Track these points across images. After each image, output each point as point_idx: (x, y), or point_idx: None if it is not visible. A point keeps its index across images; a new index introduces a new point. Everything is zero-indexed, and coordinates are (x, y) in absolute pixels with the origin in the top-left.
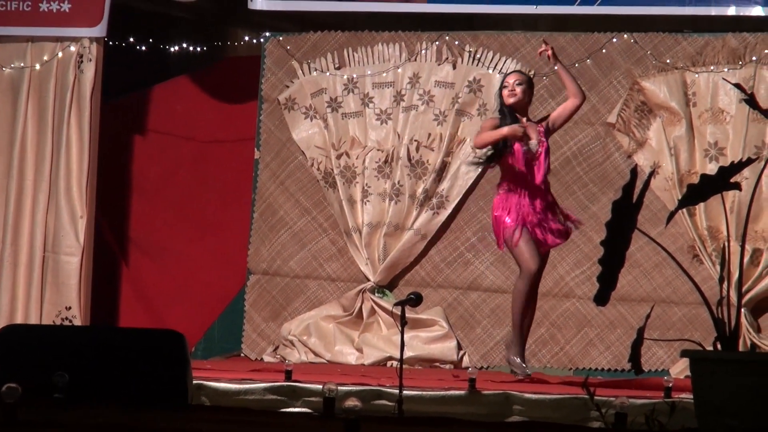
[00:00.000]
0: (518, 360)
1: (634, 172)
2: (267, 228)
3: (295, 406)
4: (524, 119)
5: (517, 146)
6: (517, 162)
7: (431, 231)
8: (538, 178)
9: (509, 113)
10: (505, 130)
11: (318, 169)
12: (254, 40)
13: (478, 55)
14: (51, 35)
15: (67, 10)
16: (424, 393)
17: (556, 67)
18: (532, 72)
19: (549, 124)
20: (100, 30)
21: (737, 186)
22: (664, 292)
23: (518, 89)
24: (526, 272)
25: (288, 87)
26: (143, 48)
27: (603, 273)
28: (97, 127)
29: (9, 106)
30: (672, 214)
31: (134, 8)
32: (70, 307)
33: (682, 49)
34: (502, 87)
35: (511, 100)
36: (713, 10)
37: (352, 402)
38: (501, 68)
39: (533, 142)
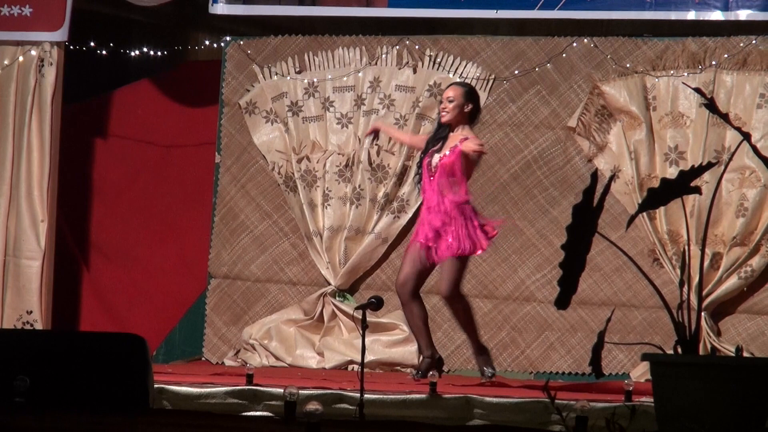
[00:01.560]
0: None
1: (595, 175)
2: (228, 232)
3: (256, 410)
4: (451, 133)
5: (425, 158)
6: (423, 174)
7: (392, 235)
8: (429, 193)
9: (438, 125)
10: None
11: (279, 173)
12: (215, 44)
13: (438, 59)
14: (12, 39)
15: (29, 15)
16: (385, 397)
17: None
18: (493, 76)
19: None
20: (61, 34)
21: (697, 190)
22: (625, 296)
23: (449, 106)
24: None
25: (249, 91)
26: (104, 52)
27: (563, 277)
28: (58, 131)
29: None
30: (632, 218)
31: (95, 12)
32: (31, 311)
33: (642, 54)
34: (440, 100)
35: (443, 119)
36: (673, 15)
37: (313, 406)
38: (461, 72)
39: (437, 157)
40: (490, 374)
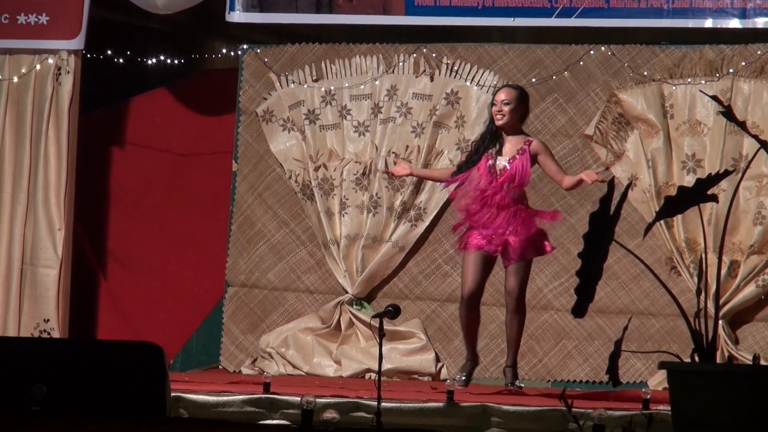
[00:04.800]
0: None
1: (612, 184)
2: (245, 240)
3: (273, 419)
4: (507, 136)
5: (482, 161)
6: (482, 177)
7: (409, 243)
8: (497, 196)
9: (493, 131)
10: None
11: (296, 181)
12: (232, 53)
13: (455, 67)
14: (29, 48)
15: (45, 23)
16: (403, 405)
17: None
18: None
19: (534, 154)
20: (78, 42)
21: (714, 198)
22: (642, 304)
23: (506, 109)
24: (462, 293)
25: (266, 99)
26: (121, 60)
27: (581, 285)
28: (75, 139)
29: None
30: (649, 226)
31: (112, 21)
32: (48, 320)
33: (659, 61)
34: (492, 103)
35: (498, 123)
36: (690, 23)
37: (330, 414)
38: (479, 80)
39: (502, 159)
40: (520, 386)
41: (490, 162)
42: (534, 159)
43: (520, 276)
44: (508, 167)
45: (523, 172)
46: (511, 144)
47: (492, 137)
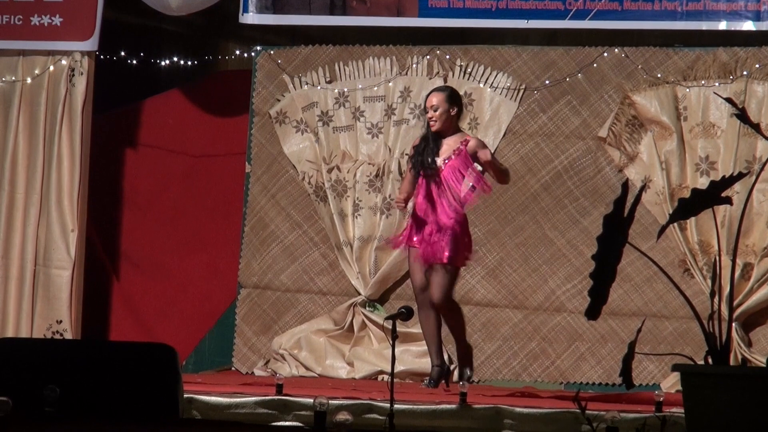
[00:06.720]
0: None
1: (625, 186)
2: (258, 242)
3: (286, 420)
4: (445, 138)
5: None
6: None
7: None
8: (424, 199)
9: (430, 135)
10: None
11: (309, 182)
12: (245, 54)
13: (469, 69)
14: (42, 49)
15: (59, 24)
16: (415, 407)
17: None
18: (523, 86)
19: (473, 153)
20: (91, 44)
21: (728, 200)
22: (655, 306)
23: (436, 114)
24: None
25: (279, 101)
26: (134, 62)
27: (594, 287)
28: (88, 140)
29: (0, 119)
30: (663, 229)
31: (126, 22)
32: (61, 321)
33: (673, 64)
34: (425, 109)
35: (433, 128)
36: (704, 25)
37: (343, 416)
38: (492, 82)
39: (438, 160)
40: (468, 376)
41: (428, 162)
42: (474, 157)
43: (435, 280)
44: (444, 167)
45: (457, 172)
46: (447, 145)
47: (431, 141)
